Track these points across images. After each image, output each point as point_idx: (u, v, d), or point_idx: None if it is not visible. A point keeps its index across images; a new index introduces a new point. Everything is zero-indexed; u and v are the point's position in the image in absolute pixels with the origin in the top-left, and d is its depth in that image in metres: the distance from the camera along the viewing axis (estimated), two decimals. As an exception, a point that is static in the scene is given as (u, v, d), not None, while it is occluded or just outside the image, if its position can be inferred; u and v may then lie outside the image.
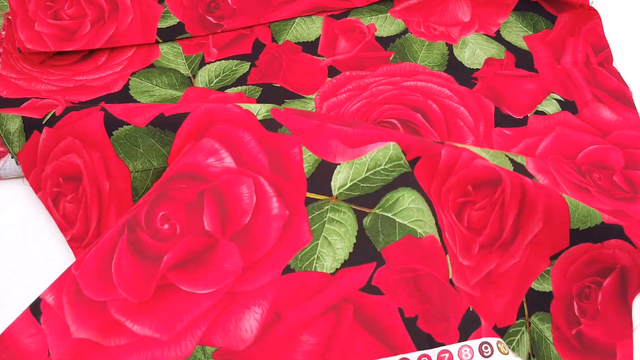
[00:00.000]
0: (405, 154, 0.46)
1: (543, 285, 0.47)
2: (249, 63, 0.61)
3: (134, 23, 0.61)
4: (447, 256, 0.44)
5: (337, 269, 0.42)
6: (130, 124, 0.49)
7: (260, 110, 0.49)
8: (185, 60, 0.61)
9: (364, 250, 0.42)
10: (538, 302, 0.47)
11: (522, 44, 0.63)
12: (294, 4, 0.64)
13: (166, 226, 0.44)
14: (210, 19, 0.63)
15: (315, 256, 0.43)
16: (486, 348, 0.37)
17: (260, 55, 0.61)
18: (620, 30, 0.63)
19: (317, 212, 0.45)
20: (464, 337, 0.38)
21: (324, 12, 0.64)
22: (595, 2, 0.64)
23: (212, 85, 0.59)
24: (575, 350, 0.45)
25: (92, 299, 0.42)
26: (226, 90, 0.58)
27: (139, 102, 0.57)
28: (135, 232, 0.44)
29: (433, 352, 0.38)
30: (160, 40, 0.62)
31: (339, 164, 0.46)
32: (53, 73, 0.60)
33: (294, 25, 0.64)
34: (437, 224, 0.44)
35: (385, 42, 0.63)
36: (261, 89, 0.58)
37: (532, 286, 0.47)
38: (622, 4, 0.66)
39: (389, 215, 0.43)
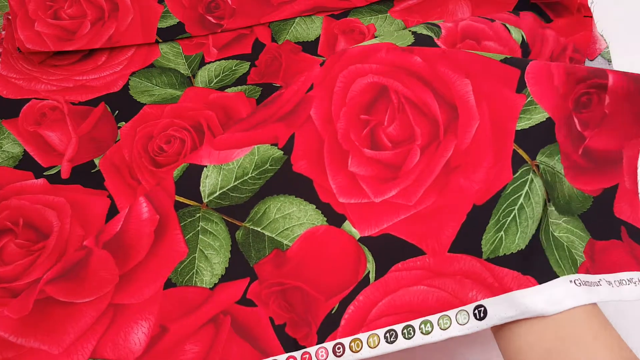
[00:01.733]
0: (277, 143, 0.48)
1: (532, 118, 0.44)
2: (249, 63, 0.61)
3: (134, 23, 0.61)
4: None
5: (215, 284, 0.46)
6: None
7: None
8: (185, 60, 0.61)
9: (238, 266, 0.46)
10: (536, 137, 0.44)
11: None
12: (294, 4, 0.64)
13: None
14: (210, 19, 0.63)
15: (194, 271, 0.46)
16: (339, 348, 0.42)
17: (260, 55, 0.62)
18: (620, 30, 0.63)
19: (188, 220, 0.47)
20: (321, 340, 0.43)
21: (323, 12, 0.64)
22: (596, 2, 0.64)
23: (211, 85, 0.59)
24: (585, 172, 0.45)
25: None
26: (226, 90, 0.59)
27: (139, 101, 0.58)
28: None
29: (297, 354, 0.43)
30: (160, 40, 0.62)
31: (206, 165, 0.48)
32: (53, 73, 0.60)
33: (294, 25, 0.64)
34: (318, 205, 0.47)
35: (385, 42, 0.63)
36: (261, 88, 0.58)
37: (517, 129, 0.44)
38: (622, 4, 0.66)
39: (259, 229, 0.47)
